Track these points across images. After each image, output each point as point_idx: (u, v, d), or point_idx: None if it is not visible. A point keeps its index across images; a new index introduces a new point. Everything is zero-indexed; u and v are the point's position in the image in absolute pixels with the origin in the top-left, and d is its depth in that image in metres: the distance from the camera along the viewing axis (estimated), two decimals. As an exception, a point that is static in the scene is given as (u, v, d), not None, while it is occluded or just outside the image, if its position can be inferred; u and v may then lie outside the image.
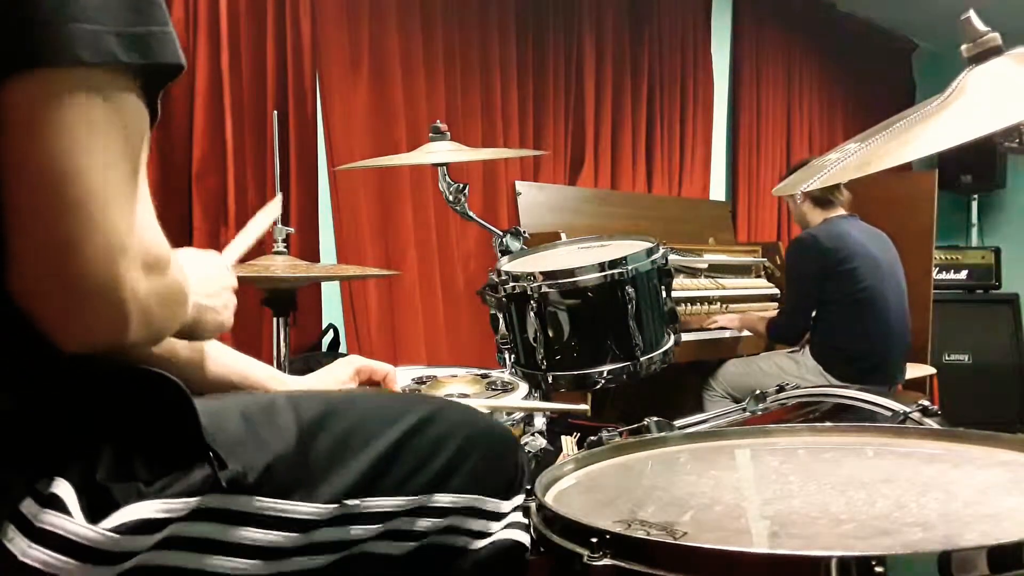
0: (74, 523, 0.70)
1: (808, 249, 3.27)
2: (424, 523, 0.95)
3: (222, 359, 1.13)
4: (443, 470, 0.96)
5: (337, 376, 1.32)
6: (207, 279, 0.96)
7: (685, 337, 2.73)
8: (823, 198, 3.35)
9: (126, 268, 0.69)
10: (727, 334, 3.56)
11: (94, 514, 0.71)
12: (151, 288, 0.72)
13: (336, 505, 0.86)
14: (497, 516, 1.01)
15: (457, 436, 0.99)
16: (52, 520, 0.70)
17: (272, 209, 1.31)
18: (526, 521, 1.01)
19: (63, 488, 0.71)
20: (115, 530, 0.71)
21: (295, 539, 0.83)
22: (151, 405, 0.78)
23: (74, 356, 0.72)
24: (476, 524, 0.99)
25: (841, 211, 3.38)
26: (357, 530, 0.89)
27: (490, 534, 1.00)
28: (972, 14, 1.14)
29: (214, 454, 0.78)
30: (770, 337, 3.43)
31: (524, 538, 1.00)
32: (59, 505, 0.70)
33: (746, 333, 3.57)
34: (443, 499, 0.96)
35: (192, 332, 0.94)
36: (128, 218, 0.69)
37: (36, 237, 0.67)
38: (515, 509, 1.02)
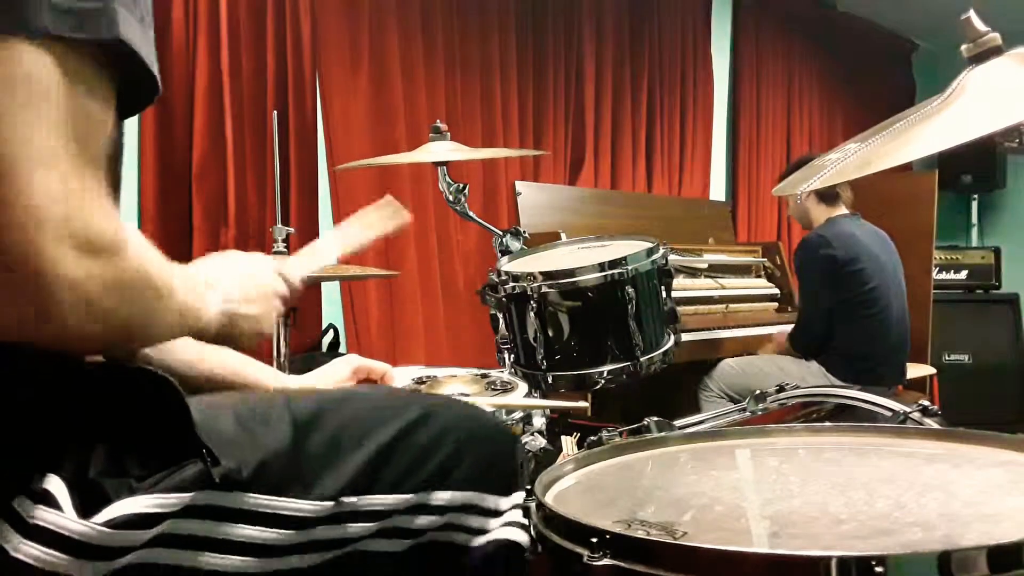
0: (65, 518, 0.70)
1: (818, 250, 3.19)
2: (422, 520, 0.94)
3: (216, 356, 1.12)
4: (440, 467, 0.95)
5: (335, 375, 1.31)
6: (245, 282, 0.93)
7: (686, 338, 2.74)
8: (828, 194, 3.32)
9: (48, 242, 0.64)
10: (738, 333, 3.56)
11: (86, 509, 0.71)
12: (93, 272, 0.67)
13: (332, 503, 0.86)
14: (496, 513, 1.00)
15: (454, 433, 0.98)
16: (44, 516, 0.70)
17: (387, 211, 1.20)
18: (524, 520, 1.00)
19: (55, 484, 0.71)
20: (107, 525, 0.71)
21: (291, 536, 0.83)
22: (143, 401, 0.77)
23: (66, 354, 0.71)
24: (475, 521, 0.98)
25: (844, 209, 3.36)
26: (354, 528, 0.88)
27: (489, 531, 0.99)
28: (972, 14, 1.14)
29: (207, 450, 0.77)
30: (794, 349, 3.30)
31: (523, 538, 0.99)
32: (51, 501, 0.70)
33: (755, 332, 3.55)
34: (441, 496, 0.95)
35: (226, 338, 0.92)
36: (55, 190, 0.65)
37: None
38: (514, 507, 1.01)
